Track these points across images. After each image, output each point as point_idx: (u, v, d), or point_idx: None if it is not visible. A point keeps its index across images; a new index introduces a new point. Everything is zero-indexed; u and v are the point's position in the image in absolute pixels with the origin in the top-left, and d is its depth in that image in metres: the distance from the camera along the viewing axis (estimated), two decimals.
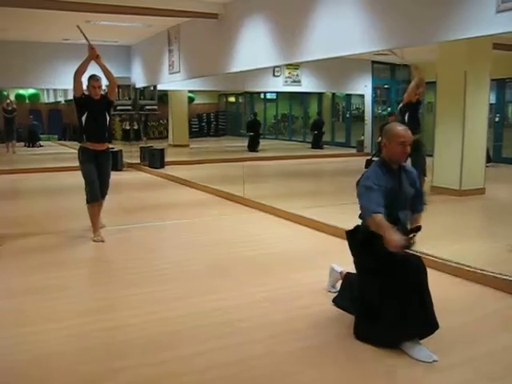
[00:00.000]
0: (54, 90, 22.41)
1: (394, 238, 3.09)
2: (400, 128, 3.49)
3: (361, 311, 3.46)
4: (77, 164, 6.02)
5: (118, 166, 11.66)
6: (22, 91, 23.49)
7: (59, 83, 14.30)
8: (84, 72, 5.79)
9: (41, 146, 21.16)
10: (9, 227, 6.22)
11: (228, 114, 26.79)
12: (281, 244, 5.88)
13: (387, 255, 3.19)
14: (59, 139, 23.73)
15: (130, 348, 3.35)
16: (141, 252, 5.30)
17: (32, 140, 21.15)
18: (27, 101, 23.77)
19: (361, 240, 3.51)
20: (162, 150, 12.70)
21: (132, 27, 10.95)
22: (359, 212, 3.51)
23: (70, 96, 22.13)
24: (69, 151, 18.59)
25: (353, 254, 3.65)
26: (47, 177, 11.75)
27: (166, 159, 12.73)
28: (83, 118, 5.77)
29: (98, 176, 5.89)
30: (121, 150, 12.63)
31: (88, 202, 5.91)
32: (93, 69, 5.83)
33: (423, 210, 3.72)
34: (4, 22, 9.79)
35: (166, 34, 11.33)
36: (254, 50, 8.13)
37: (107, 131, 6.05)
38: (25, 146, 20.89)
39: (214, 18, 8.94)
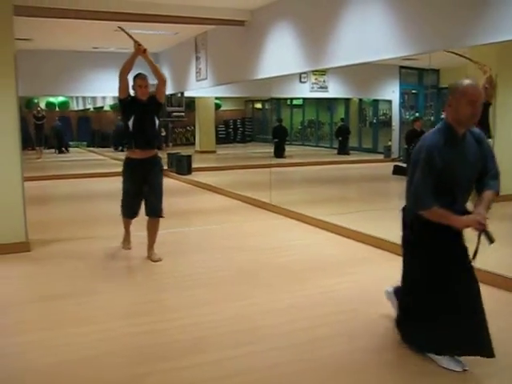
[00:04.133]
0: (83, 98, 22.74)
1: (463, 220, 2.93)
2: (469, 84, 2.94)
3: (403, 304, 3.36)
4: (105, 170, 6.04)
5: None
6: (52, 99, 23.89)
7: (88, 91, 14.54)
8: (130, 70, 5.17)
9: (67, 150, 21.51)
10: (40, 232, 6.31)
11: (254, 120, 26.84)
12: (308, 250, 5.86)
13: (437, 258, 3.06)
14: (88, 146, 24.06)
15: (158, 353, 3.37)
16: (169, 257, 5.33)
17: (59, 145, 21.47)
18: (57, 108, 24.15)
19: (410, 225, 3.24)
20: (189, 157, 12.77)
21: (159, 35, 11.05)
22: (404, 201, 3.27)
23: (99, 103, 22.51)
24: (97, 158, 18.87)
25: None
26: (76, 183, 11.91)
27: (193, 165, 12.80)
28: (130, 123, 5.19)
29: (144, 187, 5.32)
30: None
31: (122, 215, 5.65)
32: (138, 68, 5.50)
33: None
34: (34, 31, 9.97)
35: (194, 41, 11.41)
36: (280, 57, 8.14)
37: (157, 136, 5.54)
38: (55, 152, 21.23)
39: (240, 25, 8.97)
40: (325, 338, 3.55)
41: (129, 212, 5.51)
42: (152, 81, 5.34)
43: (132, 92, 5.26)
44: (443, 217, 2.96)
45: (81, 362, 3.23)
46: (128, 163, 5.34)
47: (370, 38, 6.29)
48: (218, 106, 22.29)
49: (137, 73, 5.25)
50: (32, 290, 4.68)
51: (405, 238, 3.33)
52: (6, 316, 4.01)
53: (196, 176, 11.89)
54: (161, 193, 5.36)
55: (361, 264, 5.30)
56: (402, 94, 16.42)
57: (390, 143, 16.10)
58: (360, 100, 19.14)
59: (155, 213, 5.29)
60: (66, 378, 3.09)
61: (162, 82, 5.29)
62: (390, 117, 16.80)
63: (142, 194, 5.34)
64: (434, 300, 3.13)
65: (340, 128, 17.97)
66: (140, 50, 5.16)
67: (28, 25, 8.30)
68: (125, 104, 5.24)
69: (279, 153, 16.56)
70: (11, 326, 3.84)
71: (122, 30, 5.47)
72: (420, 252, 3.21)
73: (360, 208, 8.04)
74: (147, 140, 5.24)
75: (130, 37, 5.27)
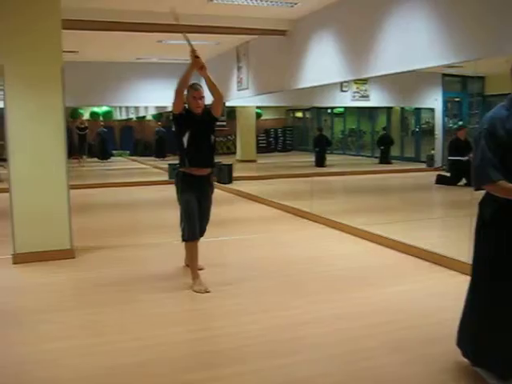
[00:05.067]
0: (126, 108, 23.17)
1: None
2: None
3: (466, 315, 3.14)
4: (147, 179, 6.01)
5: None
6: (96, 109, 24.41)
7: (131, 101, 14.82)
8: (187, 85, 4.80)
9: (110, 157, 21.99)
10: (84, 240, 6.42)
11: (295, 129, 26.84)
12: (350, 260, 5.80)
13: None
14: (130, 155, 24.48)
15: (201, 361, 3.38)
16: (211, 266, 5.35)
17: (103, 153, 21.92)
18: (101, 118, 24.66)
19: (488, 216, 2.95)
20: (230, 166, 12.84)
21: (201, 45, 11.15)
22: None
23: (142, 113, 22.83)
24: (139, 166, 19.16)
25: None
26: (119, 191, 12.12)
27: (234, 174, 12.86)
28: (184, 139, 4.78)
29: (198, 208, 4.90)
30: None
31: (184, 240, 4.92)
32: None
33: None
34: (80, 44, 10.21)
35: (235, 51, 11.50)
36: (322, 66, 8.12)
37: (213, 154, 4.99)
38: (98, 159, 21.68)
39: (282, 35, 9.01)
40: (368, 349, 3.50)
41: (195, 230, 4.85)
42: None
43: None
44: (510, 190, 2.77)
45: (124, 369, 3.26)
46: (184, 176, 4.88)
47: (413, 46, 6.22)
48: (258, 115, 22.38)
49: (191, 83, 4.89)
50: (76, 296, 4.75)
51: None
52: (50, 322, 4.08)
53: (237, 185, 11.94)
54: (210, 213, 5.08)
55: (404, 275, 5.22)
56: (445, 102, 16.17)
57: (432, 152, 15.86)
58: (402, 108, 18.92)
59: (201, 234, 5.04)
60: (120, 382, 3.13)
61: (219, 99, 4.91)
62: (433, 125, 16.56)
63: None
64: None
65: (382, 137, 17.72)
66: (197, 65, 4.77)
67: (74, 37, 8.51)
68: (180, 119, 4.83)
69: (320, 162, 16.50)
70: (55, 331, 3.90)
71: (185, 37, 5.05)
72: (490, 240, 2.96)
73: (402, 218, 7.93)
74: (203, 158, 4.86)
75: (190, 45, 4.92)
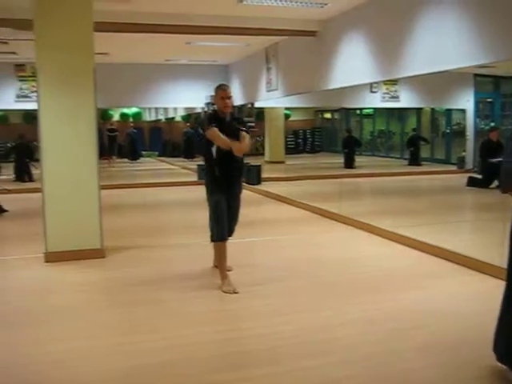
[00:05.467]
0: (156, 109, 23.38)
1: None
2: None
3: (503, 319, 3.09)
4: (176, 179, 6.02)
5: None
6: (126, 110, 24.69)
7: (161, 102, 14.98)
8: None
9: (140, 158, 22.24)
10: (114, 239, 6.48)
11: (324, 131, 26.75)
12: (379, 262, 5.75)
13: None
14: (159, 155, 24.70)
15: (230, 361, 3.38)
16: (239, 267, 5.35)
17: (132, 154, 22.17)
18: (131, 119, 24.92)
19: None
20: (258, 167, 12.84)
21: (230, 46, 11.22)
22: None
23: (171, 114, 23.07)
24: (168, 167, 19.30)
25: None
26: (148, 192, 12.23)
27: (263, 175, 12.86)
28: (213, 149, 4.79)
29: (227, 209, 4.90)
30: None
31: (213, 240, 4.96)
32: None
33: None
34: (111, 45, 10.34)
35: (264, 52, 11.52)
36: (352, 67, 8.08)
37: (242, 163, 5.01)
38: (128, 160, 21.93)
39: (312, 36, 8.99)
40: (398, 352, 3.46)
41: (224, 231, 4.85)
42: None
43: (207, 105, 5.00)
44: None
45: (151, 369, 3.28)
46: (212, 179, 4.89)
47: (445, 47, 6.15)
48: (287, 116, 22.35)
49: (219, 83, 5.00)
50: (105, 295, 4.81)
51: None
52: (79, 320, 4.14)
53: (265, 186, 11.94)
54: (239, 214, 5.09)
55: (434, 278, 5.15)
56: (476, 103, 15.94)
57: (464, 154, 15.66)
58: (432, 109, 18.72)
59: (230, 234, 5.04)
60: (138, 383, 3.14)
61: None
62: (464, 126, 16.34)
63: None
64: None
65: (411, 138, 17.50)
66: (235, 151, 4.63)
67: (105, 39, 8.62)
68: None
69: (349, 163, 16.40)
70: (83, 330, 3.95)
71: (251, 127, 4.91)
72: None
73: (432, 220, 7.83)
74: (233, 168, 4.85)
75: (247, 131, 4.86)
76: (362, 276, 5.20)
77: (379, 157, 21.39)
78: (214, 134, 4.69)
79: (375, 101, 15.89)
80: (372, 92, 15.53)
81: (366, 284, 4.94)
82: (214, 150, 4.79)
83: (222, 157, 4.76)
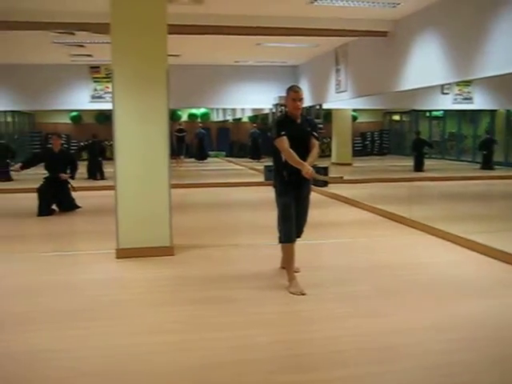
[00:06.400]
0: (223, 109, 23.62)
1: None
2: None
3: None
4: (243, 180, 6.04)
5: None
6: (194, 110, 25.07)
7: (229, 103, 15.09)
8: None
9: (207, 158, 22.56)
10: (183, 238, 6.58)
11: (392, 133, 26.30)
12: (448, 269, 5.58)
13: None
14: (226, 156, 24.95)
15: (296, 363, 3.37)
16: (307, 269, 5.31)
17: (200, 154, 22.50)
18: (199, 119, 25.29)
19: None
20: (325, 168, 12.75)
21: (299, 47, 11.19)
22: None
23: (238, 115, 23.23)
24: (235, 167, 19.47)
25: None
26: (215, 191, 12.38)
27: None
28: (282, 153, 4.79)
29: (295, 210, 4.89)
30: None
31: (281, 241, 4.94)
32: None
33: None
34: (182, 47, 10.51)
35: (334, 53, 11.42)
36: (424, 68, 7.89)
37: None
38: (195, 160, 22.27)
39: (383, 36, 8.84)
40: (463, 363, 3.34)
41: (292, 233, 4.85)
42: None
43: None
44: None
45: (216, 367, 3.31)
46: (281, 180, 4.87)
47: None
48: (354, 118, 22.11)
49: (290, 85, 4.98)
50: (173, 293, 4.87)
51: None
52: (147, 316, 4.23)
53: (332, 188, 11.84)
54: (307, 214, 5.07)
55: (507, 287, 4.96)
56: None
57: None
58: (508, 111, 18.04)
59: (299, 235, 5.04)
60: (202, 381, 3.18)
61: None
62: None
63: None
64: None
65: (484, 141, 16.90)
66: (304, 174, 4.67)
67: (177, 41, 8.78)
68: (280, 127, 4.84)
69: (418, 166, 16.05)
70: (150, 326, 4.04)
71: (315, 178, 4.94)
72: None
73: (505, 227, 7.53)
74: (301, 158, 4.73)
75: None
76: (431, 282, 5.07)
77: (450, 160, 20.82)
78: (283, 147, 4.72)
79: (446, 102, 15.48)
80: (443, 93, 15.13)
81: (436, 291, 4.81)
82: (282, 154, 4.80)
83: (292, 148, 4.71)
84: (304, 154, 4.79)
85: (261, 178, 13.47)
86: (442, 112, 21.68)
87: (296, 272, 5.01)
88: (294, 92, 4.83)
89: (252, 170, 17.61)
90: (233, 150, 25.59)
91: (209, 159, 22.98)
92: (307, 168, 4.63)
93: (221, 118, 25.48)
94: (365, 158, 22.36)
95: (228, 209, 10.24)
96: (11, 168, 12.12)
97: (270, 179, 5.14)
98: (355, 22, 8.56)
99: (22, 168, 9.42)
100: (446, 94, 15.17)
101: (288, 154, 4.71)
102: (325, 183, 9.14)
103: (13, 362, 3.44)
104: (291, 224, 4.84)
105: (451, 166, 18.26)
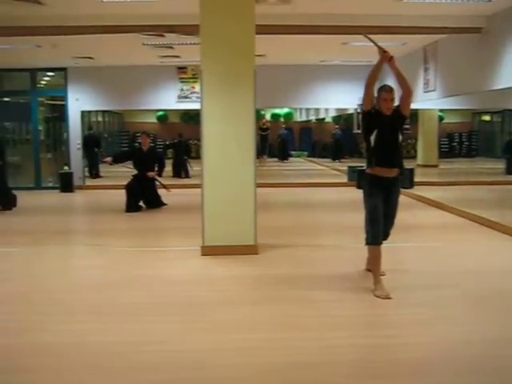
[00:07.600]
0: (307, 109, 23.55)
1: None
2: None
3: None
4: (325, 180, 6.00)
5: None
6: (277, 110, 25.16)
7: (313, 103, 15.00)
8: (376, 80, 4.84)
9: (289, 158, 22.55)
10: (266, 237, 6.58)
11: (481, 134, 25.28)
12: None
13: None
14: (308, 156, 24.87)
15: (378, 369, 3.30)
16: (392, 272, 5.17)
17: (282, 154, 22.55)
18: (282, 119, 25.37)
19: None
20: (411, 170, 12.44)
21: (386, 46, 10.94)
22: None
23: (322, 115, 23.04)
24: (317, 168, 19.38)
25: None
26: (297, 191, 12.36)
27: (415, 179, 12.44)
28: (372, 138, 4.73)
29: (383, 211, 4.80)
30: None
31: (368, 243, 4.87)
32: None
33: None
34: (266, 47, 10.55)
35: (422, 51, 11.11)
36: None
37: (400, 154, 4.88)
38: (278, 160, 22.37)
39: (476, 33, 8.50)
40: None
41: (379, 234, 4.76)
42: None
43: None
44: None
45: (299, 367, 3.30)
46: (371, 179, 4.81)
47: None
48: (440, 119, 21.43)
49: (382, 84, 4.87)
50: (257, 291, 4.91)
51: None
52: (232, 313, 4.29)
53: (418, 190, 11.54)
54: (395, 216, 4.96)
55: None
56: None
57: None
58: None
59: (385, 237, 4.95)
60: (286, 379, 3.18)
61: (408, 93, 4.82)
62: None
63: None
64: None
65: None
66: (386, 58, 4.79)
67: (263, 41, 8.83)
68: (368, 117, 4.80)
69: (511, 169, 15.36)
70: (233, 323, 4.08)
71: (367, 37, 5.19)
72: None
73: None
74: (389, 158, 4.73)
75: (375, 44, 4.98)
76: None
77: None
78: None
79: None
80: None
81: None
82: (372, 138, 4.73)
83: (380, 145, 4.71)
84: (395, 148, 4.75)
85: (344, 179, 13.31)
86: None
87: (382, 275, 4.91)
88: (385, 92, 4.73)
89: (335, 170, 17.46)
90: (315, 150, 25.48)
91: (290, 159, 23.00)
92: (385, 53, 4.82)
93: (304, 118, 25.43)
94: (452, 160, 21.66)
95: (310, 209, 10.20)
96: (102, 159, 12.53)
97: (354, 180, 5.09)
98: (445, 19, 8.27)
99: (113, 162, 9.81)
100: None
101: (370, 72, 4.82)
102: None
103: (118, 349, 3.60)
104: (379, 226, 4.75)
105: None
